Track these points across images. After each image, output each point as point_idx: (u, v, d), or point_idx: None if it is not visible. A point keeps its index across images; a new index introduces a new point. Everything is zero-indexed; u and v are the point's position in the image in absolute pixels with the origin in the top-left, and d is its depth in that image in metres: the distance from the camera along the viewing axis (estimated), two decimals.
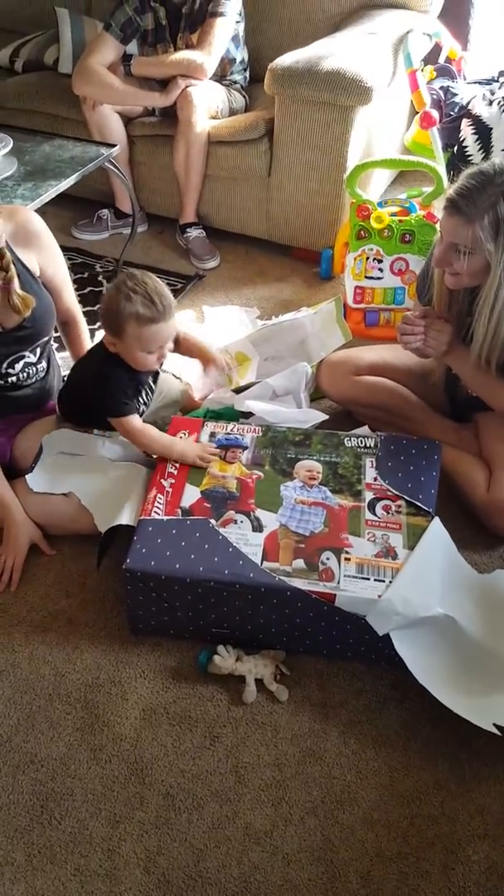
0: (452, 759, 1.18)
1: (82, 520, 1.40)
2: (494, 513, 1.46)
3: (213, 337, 1.98)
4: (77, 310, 1.68)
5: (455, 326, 1.45)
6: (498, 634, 1.26)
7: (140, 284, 1.32)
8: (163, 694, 1.27)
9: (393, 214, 1.96)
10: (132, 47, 2.38)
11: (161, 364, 1.46)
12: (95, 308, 2.23)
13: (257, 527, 1.31)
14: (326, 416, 1.70)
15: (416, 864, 1.08)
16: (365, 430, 1.63)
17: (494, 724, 1.15)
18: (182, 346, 1.54)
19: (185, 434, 1.49)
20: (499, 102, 2.03)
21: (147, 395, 1.55)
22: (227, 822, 1.12)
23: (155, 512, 1.33)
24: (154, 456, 1.48)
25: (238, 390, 1.77)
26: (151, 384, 1.56)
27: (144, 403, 1.55)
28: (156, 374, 1.57)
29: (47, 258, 1.50)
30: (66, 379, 1.59)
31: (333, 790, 1.16)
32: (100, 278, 2.37)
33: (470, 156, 2.04)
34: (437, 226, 1.41)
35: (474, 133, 2.02)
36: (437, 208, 2.02)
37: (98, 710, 1.24)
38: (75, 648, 1.33)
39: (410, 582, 1.22)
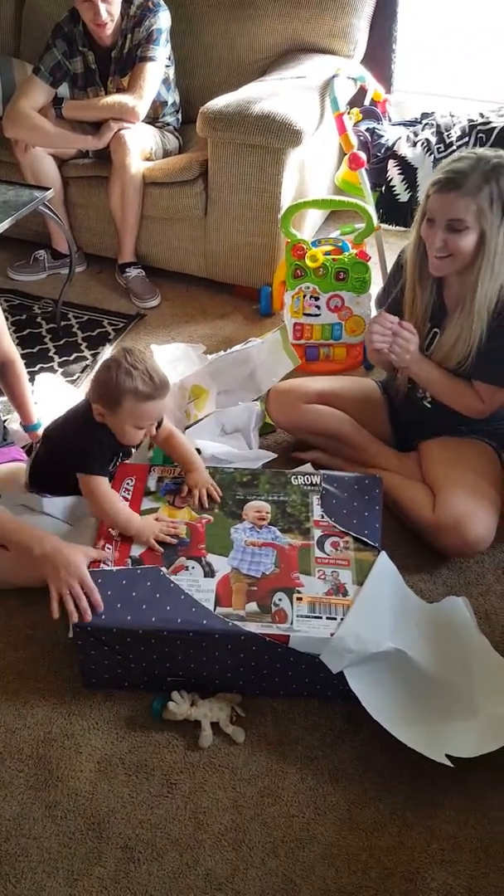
0: (408, 788, 1.24)
1: (24, 572, 1.41)
2: (441, 533, 1.53)
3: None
4: (14, 352, 1.71)
5: (420, 316, 1.56)
6: (447, 662, 1.33)
7: (140, 361, 1.36)
8: (118, 744, 1.29)
9: (327, 253, 2.08)
10: (63, 90, 2.45)
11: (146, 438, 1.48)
12: (35, 350, 2.27)
13: (209, 572, 1.35)
14: (275, 456, 1.77)
15: None
16: (308, 467, 1.71)
17: (446, 755, 1.21)
18: (168, 443, 1.54)
19: (132, 480, 1.53)
20: (422, 143, 2.19)
21: (115, 465, 1.54)
22: (188, 871, 1.14)
23: (104, 563, 1.36)
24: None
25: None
26: (131, 452, 1.56)
27: (111, 472, 1.54)
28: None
29: None
30: (39, 446, 1.61)
31: (293, 829, 1.20)
32: (38, 319, 2.41)
33: (397, 195, 2.18)
34: (377, 273, 1.52)
35: (400, 173, 2.17)
36: (369, 246, 2.16)
37: (52, 766, 1.26)
38: (25, 703, 1.34)
39: (361, 618, 1.27)
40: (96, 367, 1.44)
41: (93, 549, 1.35)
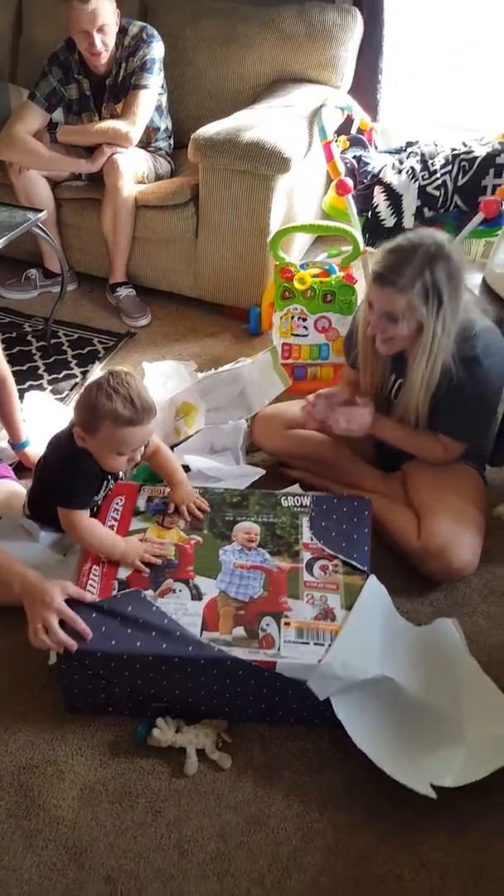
0: (395, 815, 1.19)
1: (5, 592, 1.34)
2: (427, 558, 1.50)
3: (153, 392, 2.00)
4: (6, 370, 1.66)
5: (379, 387, 1.55)
6: (435, 688, 1.28)
7: (123, 384, 1.27)
8: (101, 770, 1.23)
9: (314, 276, 2.06)
10: (58, 115, 2.44)
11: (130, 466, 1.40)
12: (25, 367, 2.22)
13: (196, 595, 1.30)
14: (263, 472, 1.74)
15: None
16: (295, 488, 1.66)
17: (431, 785, 1.16)
18: (153, 458, 1.49)
19: (121, 500, 1.48)
20: (407, 171, 2.18)
21: (108, 488, 1.47)
22: None
23: (90, 585, 1.30)
24: None
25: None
26: (120, 475, 1.49)
27: (108, 489, 1.47)
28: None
29: None
30: (35, 473, 1.53)
31: (279, 857, 1.14)
32: (28, 337, 2.36)
33: (383, 220, 2.17)
34: (363, 297, 1.49)
35: (386, 199, 2.16)
36: (355, 269, 2.14)
37: (33, 793, 1.19)
38: (7, 728, 1.28)
39: (349, 644, 1.23)
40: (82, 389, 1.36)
41: (72, 586, 1.26)
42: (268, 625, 1.25)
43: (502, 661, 1.40)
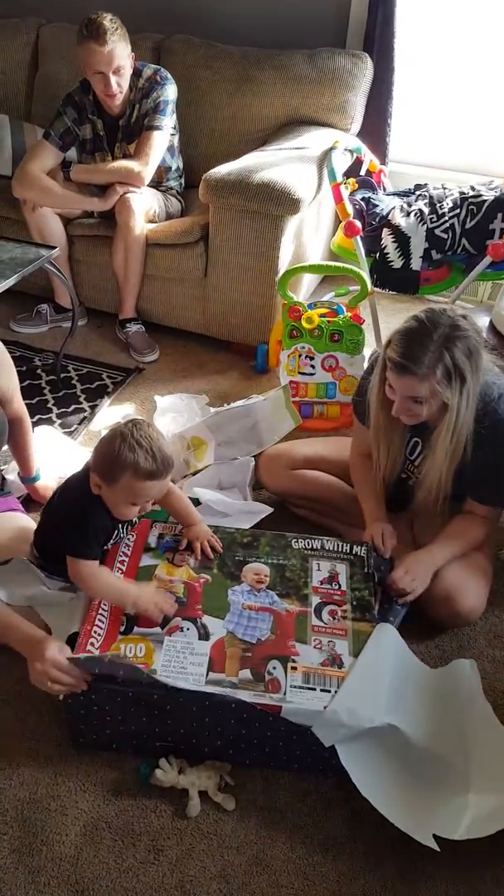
0: (399, 860, 1.23)
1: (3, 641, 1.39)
2: (432, 605, 1.54)
3: (164, 425, 2.09)
4: (24, 410, 1.77)
5: (398, 449, 1.59)
6: (443, 735, 1.32)
7: (146, 438, 1.32)
8: (104, 807, 1.28)
9: (322, 315, 2.17)
10: (72, 153, 2.58)
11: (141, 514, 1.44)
12: (34, 401, 2.32)
13: (204, 635, 1.35)
14: (271, 510, 1.81)
15: None
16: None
17: (434, 836, 1.20)
18: (166, 500, 1.53)
19: (132, 536, 1.54)
20: (415, 213, 2.30)
21: (125, 529, 1.52)
22: None
23: (98, 620, 1.36)
24: None
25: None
26: (134, 521, 1.54)
27: (119, 537, 1.52)
28: None
29: (2, 373, 1.58)
30: (42, 515, 1.56)
31: None
32: (38, 371, 2.47)
33: (391, 261, 2.28)
34: (378, 373, 1.48)
35: (394, 241, 2.27)
36: (363, 309, 2.25)
37: (36, 829, 1.24)
38: (11, 762, 1.34)
39: (356, 691, 1.26)
40: (102, 437, 1.40)
41: (66, 648, 1.29)
42: (274, 668, 1.30)
43: None
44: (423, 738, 1.29)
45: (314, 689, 1.27)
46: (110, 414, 2.28)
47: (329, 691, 1.26)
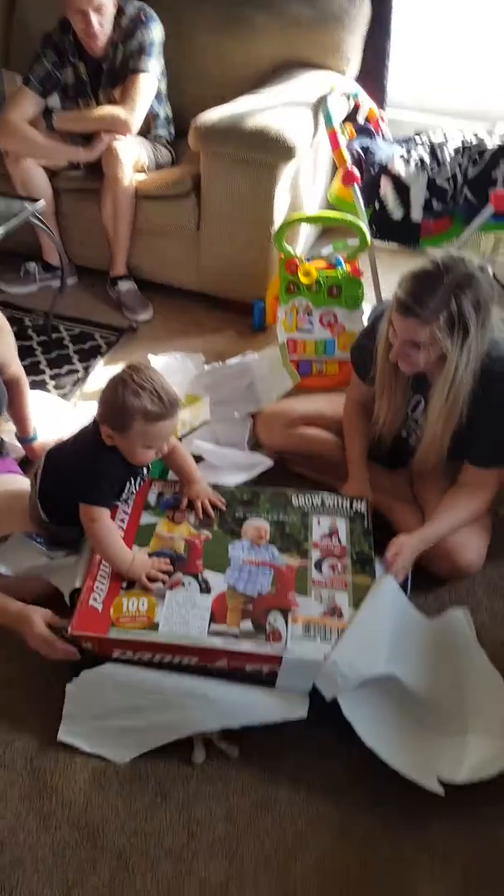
0: (400, 800, 1.31)
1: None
2: (432, 560, 1.61)
3: None
4: (21, 371, 1.81)
5: (400, 403, 1.62)
6: (441, 682, 1.40)
7: (147, 380, 1.36)
8: None
9: (320, 269, 2.19)
10: (54, 101, 2.56)
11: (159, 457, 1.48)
12: (26, 363, 2.34)
13: (205, 589, 1.42)
14: (271, 462, 1.86)
15: None
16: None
17: (438, 779, 1.29)
18: (170, 456, 1.56)
19: (132, 495, 1.59)
20: (416, 162, 2.31)
21: (137, 484, 1.57)
22: (182, 880, 1.22)
23: (100, 575, 1.43)
24: None
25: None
26: (144, 473, 1.58)
27: (130, 492, 1.56)
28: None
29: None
30: (42, 473, 1.56)
31: (285, 840, 1.27)
32: (29, 332, 2.50)
33: (391, 212, 2.29)
34: (369, 292, 1.51)
35: (394, 191, 2.28)
36: (362, 262, 2.27)
37: (45, 777, 1.33)
38: (18, 714, 1.41)
39: (355, 643, 1.33)
40: (103, 387, 1.42)
41: (50, 613, 1.38)
42: (275, 620, 1.37)
43: None
44: (421, 687, 1.36)
45: (314, 640, 1.34)
46: (104, 374, 2.31)
47: (329, 641, 1.33)
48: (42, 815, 1.28)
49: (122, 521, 1.55)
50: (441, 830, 1.29)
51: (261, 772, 1.35)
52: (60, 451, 1.57)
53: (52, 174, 2.55)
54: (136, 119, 2.45)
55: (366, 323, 2.20)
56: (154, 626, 1.35)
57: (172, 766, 1.35)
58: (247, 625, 1.36)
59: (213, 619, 1.36)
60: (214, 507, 1.58)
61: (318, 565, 1.48)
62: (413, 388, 1.62)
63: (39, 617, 1.36)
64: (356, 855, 1.26)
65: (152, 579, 1.42)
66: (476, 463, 1.59)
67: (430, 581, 1.68)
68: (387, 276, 2.39)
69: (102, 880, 1.21)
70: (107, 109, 2.46)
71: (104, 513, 1.44)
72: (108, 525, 1.45)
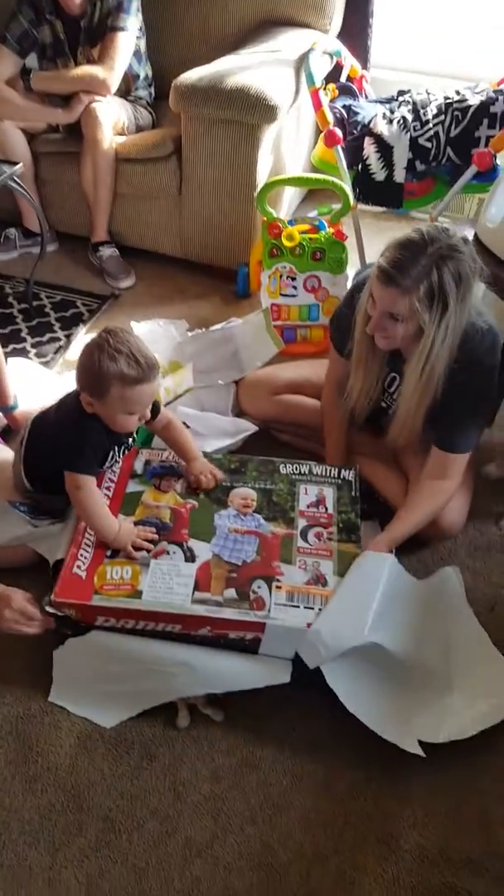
0: (382, 757, 1.32)
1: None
2: None
3: None
4: None
5: (374, 379, 1.57)
6: (427, 643, 1.39)
7: (123, 343, 1.31)
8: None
9: (303, 233, 2.15)
10: (32, 61, 2.48)
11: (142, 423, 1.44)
12: (7, 330, 2.31)
13: (190, 557, 1.41)
14: (256, 428, 1.84)
15: (353, 859, 1.22)
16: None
17: (420, 740, 1.29)
18: (166, 432, 1.55)
19: (118, 463, 1.57)
20: (398, 121, 2.25)
21: (122, 453, 1.54)
22: (168, 839, 1.22)
23: (85, 544, 1.41)
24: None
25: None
26: (129, 442, 1.54)
27: (115, 460, 1.54)
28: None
29: None
30: (29, 439, 1.53)
31: (270, 796, 1.28)
32: (10, 299, 2.44)
33: (374, 173, 2.24)
34: (353, 257, 1.45)
35: (377, 151, 2.23)
36: (346, 225, 2.23)
37: (31, 742, 1.32)
38: (3, 680, 1.41)
39: (340, 612, 1.32)
40: (79, 353, 1.37)
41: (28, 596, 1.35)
42: (259, 587, 1.36)
43: (487, 614, 1.54)
44: (408, 649, 1.36)
45: (298, 607, 1.33)
46: (86, 342, 2.26)
47: (312, 609, 1.32)
48: (28, 779, 1.28)
49: (108, 489, 1.53)
50: (423, 783, 1.30)
51: (246, 733, 1.36)
52: (44, 420, 1.53)
53: (30, 137, 2.49)
54: (115, 78, 2.39)
55: (350, 287, 2.16)
56: (137, 594, 1.34)
57: (158, 730, 1.35)
58: (230, 593, 1.35)
59: (196, 588, 1.35)
60: (216, 480, 1.55)
61: (304, 534, 1.47)
62: (388, 366, 1.58)
63: (20, 595, 1.34)
64: (340, 809, 1.27)
65: (137, 548, 1.40)
66: (441, 446, 1.53)
67: (412, 543, 1.65)
68: (371, 239, 2.35)
69: (89, 841, 1.21)
70: (85, 69, 2.39)
71: (89, 480, 1.41)
72: (94, 493, 1.42)
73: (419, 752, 1.29)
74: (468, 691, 1.37)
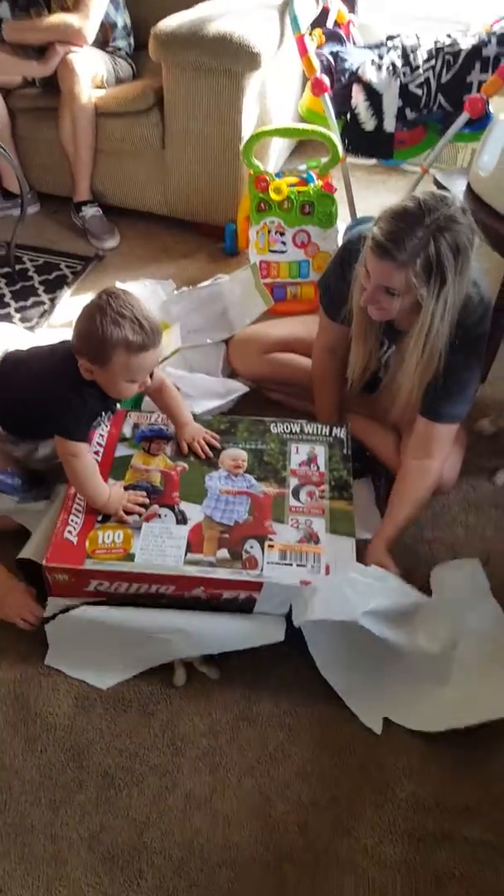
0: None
1: None
2: None
3: None
4: None
5: (372, 350, 1.52)
6: (433, 631, 1.33)
7: (126, 307, 1.24)
8: None
9: (291, 185, 2.09)
10: (4, 11, 2.38)
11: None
12: None
13: (181, 520, 1.40)
14: (247, 388, 1.82)
15: (349, 807, 1.24)
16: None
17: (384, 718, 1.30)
18: (158, 395, 1.52)
19: (106, 427, 1.55)
20: (387, 67, 2.17)
21: (108, 416, 1.51)
22: (167, 793, 1.24)
23: (75, 510, 1.40)
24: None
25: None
26: (116, 406, 1.51)
27: (101, 423, 1.51)
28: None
29: None
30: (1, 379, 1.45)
31: (267, 749, 1.29)
32: None
33: (363, 122, 2.18)
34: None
35: (366, 100, 2.16)
36: (335, 178, 2.17)
37: (29, 703, 1.33)
38: (1, 644, 1.41)
39: (341, 586, 1.28)
40: (77, 317, 1.29)
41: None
42: (252, 547, 1.36)
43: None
44: (401, 639, 1.31)
45: (291, 565, 1.33)
46: (71, 305, 2.22)
47: (304, 566, 1.33)
48: (28, 739, 1.29)
49: (97, 454, 1.51)
50: (418, 735, 1.31)
51: (243, 689, 1.36)
52: (21, 366, 1.44)
53: (6, 93, 2.41)
54: (91, 27, 2.30)
55: (340, 242, 2.11)
56: (130, 557, 1.33)
57: (155, 688, 1.36)
58: (223, 553, 1.35)
59: (189, 549, 1.35)
60: (211, 446, 1.53)
61: (296, 493, 1.46)
62: (384, 335, 1.53)
63: (22, 587, 1.39)
64: (337, 761, 1.29)
65: (128, 513, 1.39)
66: (427, 415, 1.48)
67: None
68: (361, 192, 2.30)
69: (89, 797, 1.23)
70: (59, 17, 2.30)
71: (84, 447, 1.38)
72: (88, 460, 1.40)
73: (376, 728, 1.29)
74: (463, 686, 1.32)
